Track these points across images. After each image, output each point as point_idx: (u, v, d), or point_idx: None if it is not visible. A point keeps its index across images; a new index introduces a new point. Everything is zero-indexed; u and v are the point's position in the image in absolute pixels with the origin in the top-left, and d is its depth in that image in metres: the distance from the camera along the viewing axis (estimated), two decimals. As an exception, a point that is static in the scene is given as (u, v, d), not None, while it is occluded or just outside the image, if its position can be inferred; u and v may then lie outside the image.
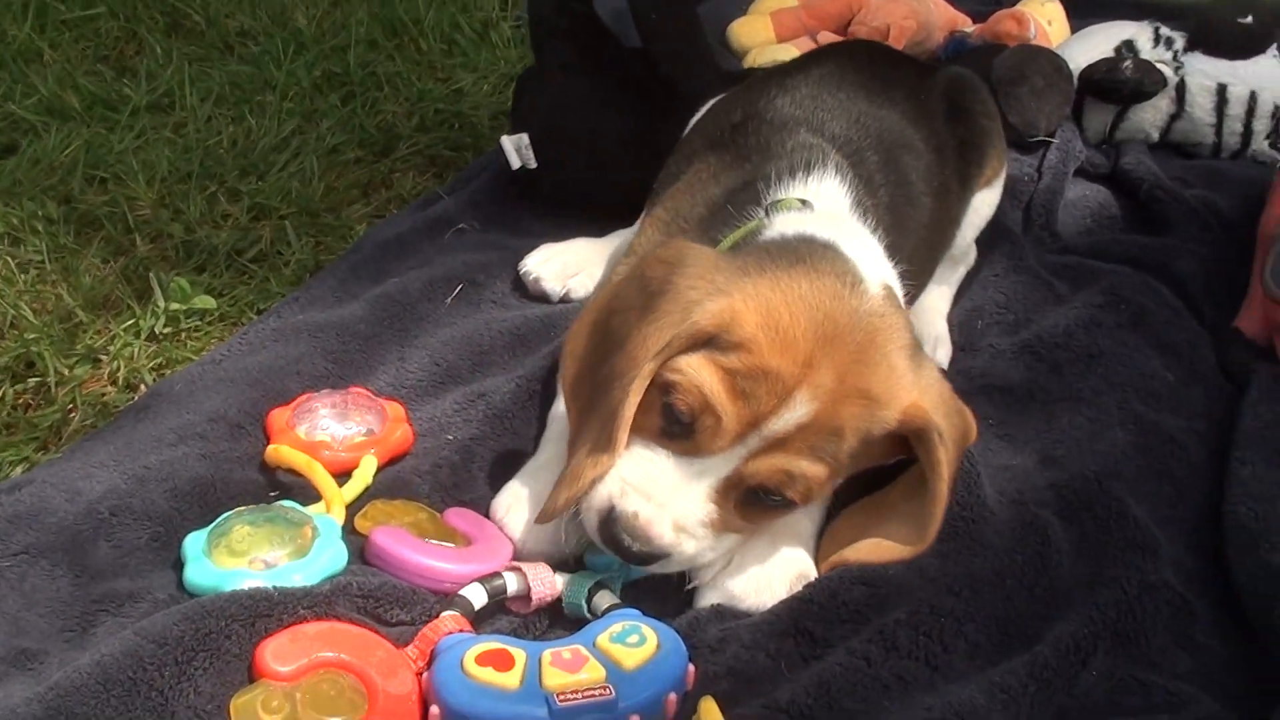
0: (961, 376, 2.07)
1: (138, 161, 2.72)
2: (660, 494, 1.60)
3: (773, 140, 1.97)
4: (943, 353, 2.13)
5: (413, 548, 1.70)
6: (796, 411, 1.56)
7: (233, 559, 1.65)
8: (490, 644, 1.52)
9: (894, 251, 1.90)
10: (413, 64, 3.21)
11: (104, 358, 2.17)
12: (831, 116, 2.02)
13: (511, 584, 1.66)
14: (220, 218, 2.56)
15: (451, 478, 1.87)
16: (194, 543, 1.68)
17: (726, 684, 1.55)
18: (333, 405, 1.93)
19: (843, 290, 1.61)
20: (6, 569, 1.67)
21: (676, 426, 1.60)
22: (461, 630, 1.57)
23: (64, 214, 2.56)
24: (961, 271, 2.33)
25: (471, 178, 2.60)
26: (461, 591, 1.63)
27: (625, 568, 1.68)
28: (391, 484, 1.86)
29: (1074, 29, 3.20)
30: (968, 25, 3.33)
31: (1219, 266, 2.36)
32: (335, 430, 1.91)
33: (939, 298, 2.22)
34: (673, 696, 1.51)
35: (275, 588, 1.59)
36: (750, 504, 1.63)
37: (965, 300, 2.27)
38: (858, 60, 2.20)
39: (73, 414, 2.08)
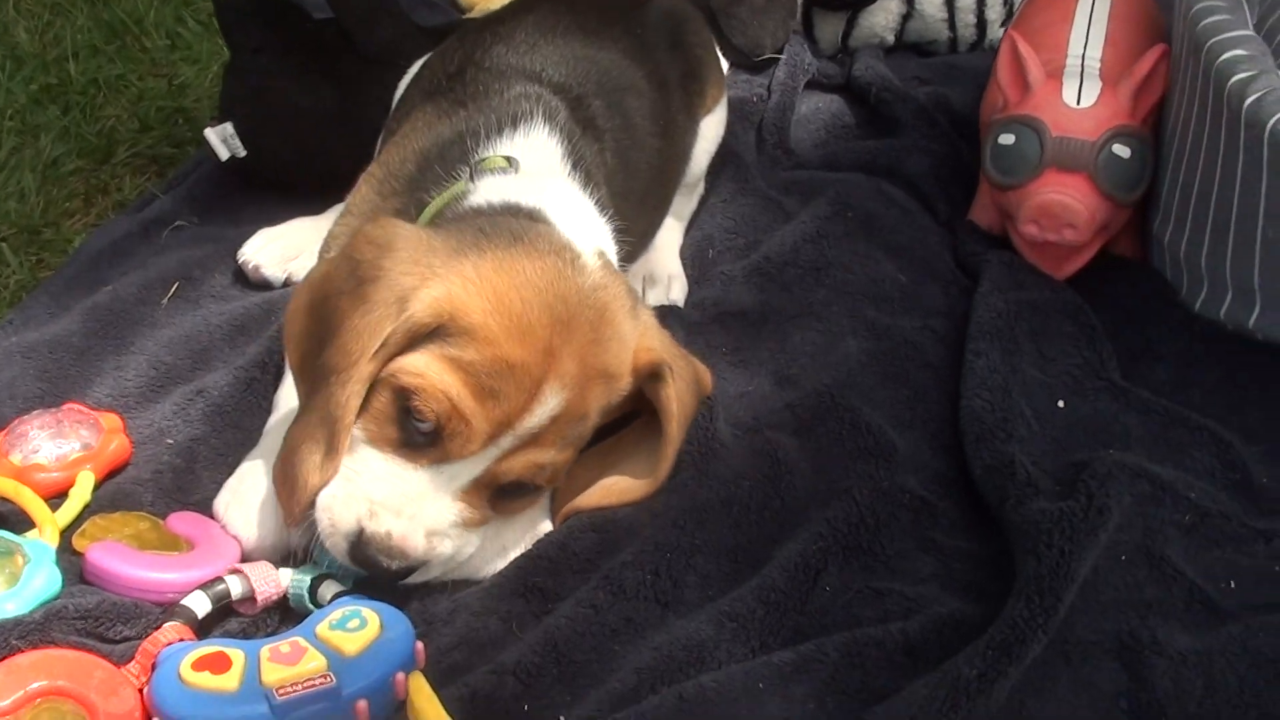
0: (695, 308, 2.05)
1: None
2: (410, 507, 1.54)
3: (490, 89, 1.90)
4: (677, 289, 2.10)
5: (130, 561, 1.62)
6: (548, 405, 1.52)
7: (-65, 598, 1.57)
8: (207, 649, 1.46)
9: (624, 196, 1.89)
10: (135, 64, 3.08)
11: None
12: (549, 63, 1.95)
13: (235, 587, 1.59)
14: (-75, 247, 2.45)
15: (174, 482, 1.79)
16: (-108, 587, 1.59)
17: (459, 654, 1.51)
18: (44, 425, 1.83)
19: (565, 268, 1.56)
20: None
21: (420, 436, 1.53)
22: (183, 640, 1.51)
23: None
24: (693, 204, 2.29)
25: (189, 173, 2.51)
26: (183, 601, 1.56)
27: None
28: (114, 497, 1.77)
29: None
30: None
31: (950, 161, 2.35)
32: (49, 451, 1.81)
33: (671, 233, 2.19)
34: (401, 676, 1.45)
35: (-17, 623, 1.51)
36: (501, 496, 1.59)
37: (695, 230, 2.24)
38: (572, 1, 2.14)
39: None
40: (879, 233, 2.13)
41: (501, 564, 1.63)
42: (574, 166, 1.82)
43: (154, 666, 1.48)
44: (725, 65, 2.59)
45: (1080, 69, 2.06)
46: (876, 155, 2.38)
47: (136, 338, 2.05)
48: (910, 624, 1.49)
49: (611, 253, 1.73)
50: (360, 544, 1.54)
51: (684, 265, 2.16)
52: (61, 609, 1.55)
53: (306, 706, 1.40)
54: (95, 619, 1.55)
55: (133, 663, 1.49)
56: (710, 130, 2.27)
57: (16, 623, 1.52)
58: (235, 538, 1.66)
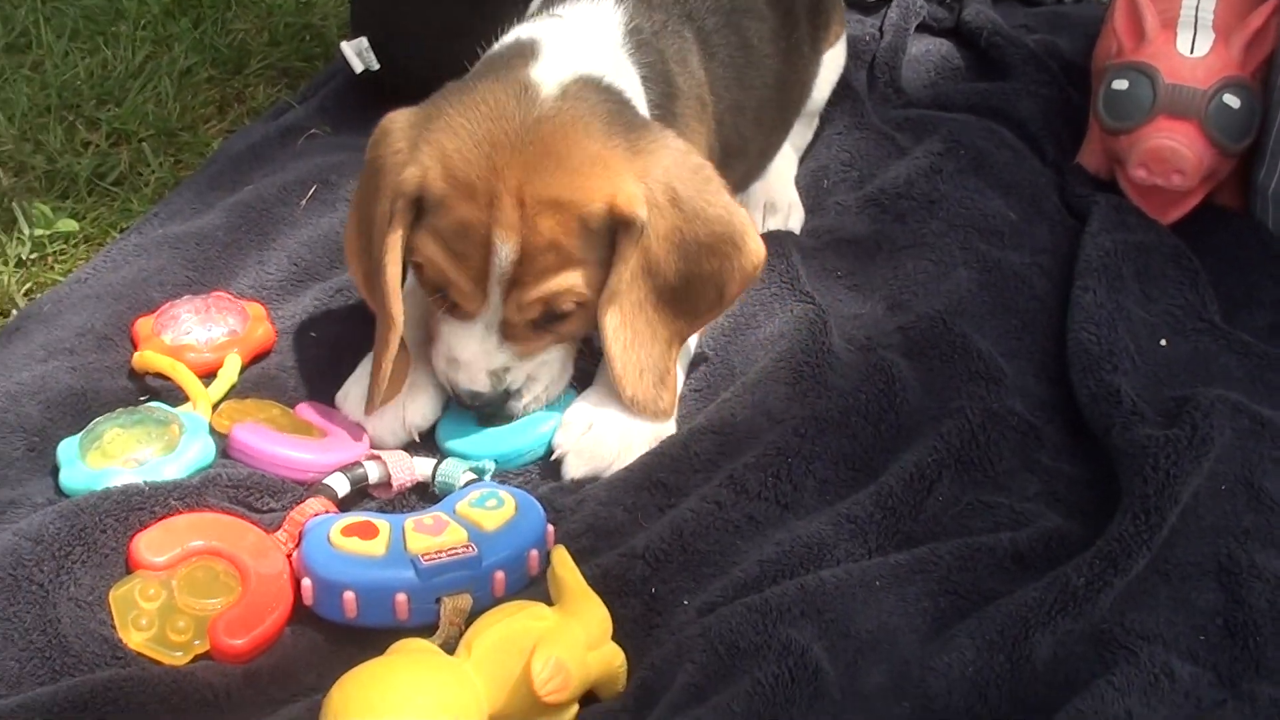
0: (810, 235, 2.13)
1: (-3, 102, 2.71)
2: (464, 355, 1.69)
3: None
4: (795, 218, 2.17)
5: (273, 440, 1.74)
6: (503, 252, 1.62)
7: (105, 460, 1.68)
8: (354, 518, 1.57)
9: (738, 110, 1.99)
10: (264, -19, 3.19)
11: (-29, 290, 2.18)
12: None
13: (373, 473, 1.71)
14: (80, 146, 2.56)
15: (317, 370, 1.90)
16: (67, 448, 1.71)
17: (586, 540, 1.60)
18: (195, 310, 1.95)
19: (510, 104, 1.65)
20: None
21: (444, 300, 1.69)
22: (327, 512, 1.62)
23: (-84, 158, 2.55)
24: (809, 135, 2.37)
25: (321, 85, 2.61)
26: (325, 480, 1.67)
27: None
28: (258, 381, 1.90)
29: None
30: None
31: (1059, 106, 2.41)
32: (199, 334, 1.93)
33: (788, 162, 2.26)
34: (534, 553, 1.57)
35: (146, 483, 1.63)
36: (549, 324, 1.70)
37: (810, 161, 2.31)
38: None
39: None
40: (990, 171, 2.20)
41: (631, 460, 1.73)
42: (629, 33, 1.86)
43: (301, 534, 1.58)
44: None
45: (1195, 20, 2.11)
46: (987, 97, 2.44)
47: (277, 235, 2.16)
48: (1019, 535, 1.58)
49: (630, 89, 1.79)
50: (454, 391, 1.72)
51: (800, 194, 2.23)
52: (216, 476, 1.67)
53: (449, 573, 1.51)
54: (245, 489, 1.67)
55: (280, 530, 1.60)
56: (832, 62, 2.36)
57: (175, 485, 1.64)
58: (360, 424, 1.78)
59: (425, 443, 1.80)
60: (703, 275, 1.71)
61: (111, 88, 2.74)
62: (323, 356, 1.93)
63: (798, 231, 2.16)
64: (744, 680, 1.38)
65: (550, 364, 1.75)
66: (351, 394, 1.82)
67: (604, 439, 1.75)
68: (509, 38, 1.85)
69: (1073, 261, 2.03)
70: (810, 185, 2.25)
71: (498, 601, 1.51)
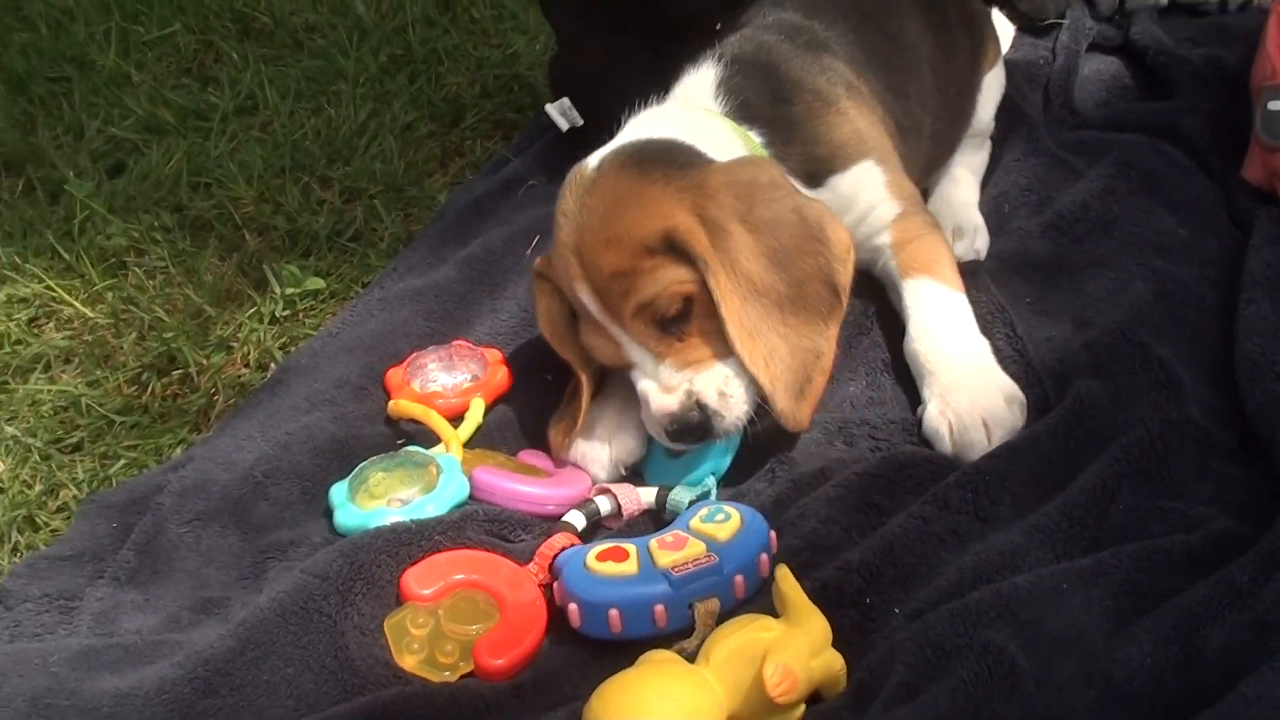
0: (996, 259, 2.30)
1: (234, 164, 2.99)
2: (643, 387, 1.92)
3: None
4: (981, 241, 2.34)
5: (514, 479, 1.97)
6: (584, 295, 1.91)
7: (372, 500, 1.93)
8: (605, 544, 1.79)
9: (897, 92, 2.23)
10: (468, 34, 3.44)
11: (235, 344, 2.45)
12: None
13: (604, 506, 1.93)
14: (316, 204, 2.83)
15: (551, 411, 2.12)
16: (338, 491, 1.96)
17: (806, 555, 1.79)
18: (439, 359, 2.20)
19: (568, 191, 1.95)
20: (185, 534, 1.96)
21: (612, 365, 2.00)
22: (573, 544, 1.84)
23: (177, 221, 2.84)
24: (984, 157, 2.55)
25: (535, 137, 2.85)
26: (565, 517, 1.90)
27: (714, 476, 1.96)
28: (500, 421, 2.13)
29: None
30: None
31: (1223, 121, 2.53)
32: (444, 380, 2.17)
33: (968, 190, 2.43)
34: (764, 556, 1.77)
35: (413, 521, 1.86)
36: (678, 331, 1.90)
37: (991, 188, 2.47)
38: None
39: (215, 397, 2.35)
40: (1160, 190, 2.34)
41: (1004, 431, 1.94)
42: (720, 85, 2.11)
43: (552, 566, 1.80)
44: (1012, 29, 2.84)
45: (1348, 38, 2.24)
46: (1155, 116, 2.58)
47: (507, 284, 2.40)
48: (1191, 537, 1.72)
49: (704, 131, 2.00)
50: (664, 432, 1.93)
51: (984, 218, 2.40)
52: (472, 512, 1.90)
53: (698, 581, 1.72)
54: (499, 523, 1.91)
55: (531, 563, 1.83)
56: (994, 83, 2.56)
57: (439, 522, 1.87)
58: (576, 464, 2.02)
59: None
60: (806, 275, 1.90)
61: (339, 146, 3.01)
62: (555, 396, 2.14)
63: (984, 253, 2.32)
64: (949, 678, 1.55)
65: (734, 379, 1.91)
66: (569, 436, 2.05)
67: (968, 420, 1.95)
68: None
69: (1238, 273, 2.16)
70: (993, 210, 2.41)
71: (739, 602, 1.74)
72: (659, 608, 1.70)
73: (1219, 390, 2.01)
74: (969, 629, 1.62)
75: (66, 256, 2.76)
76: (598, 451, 2.01)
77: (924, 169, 2.32)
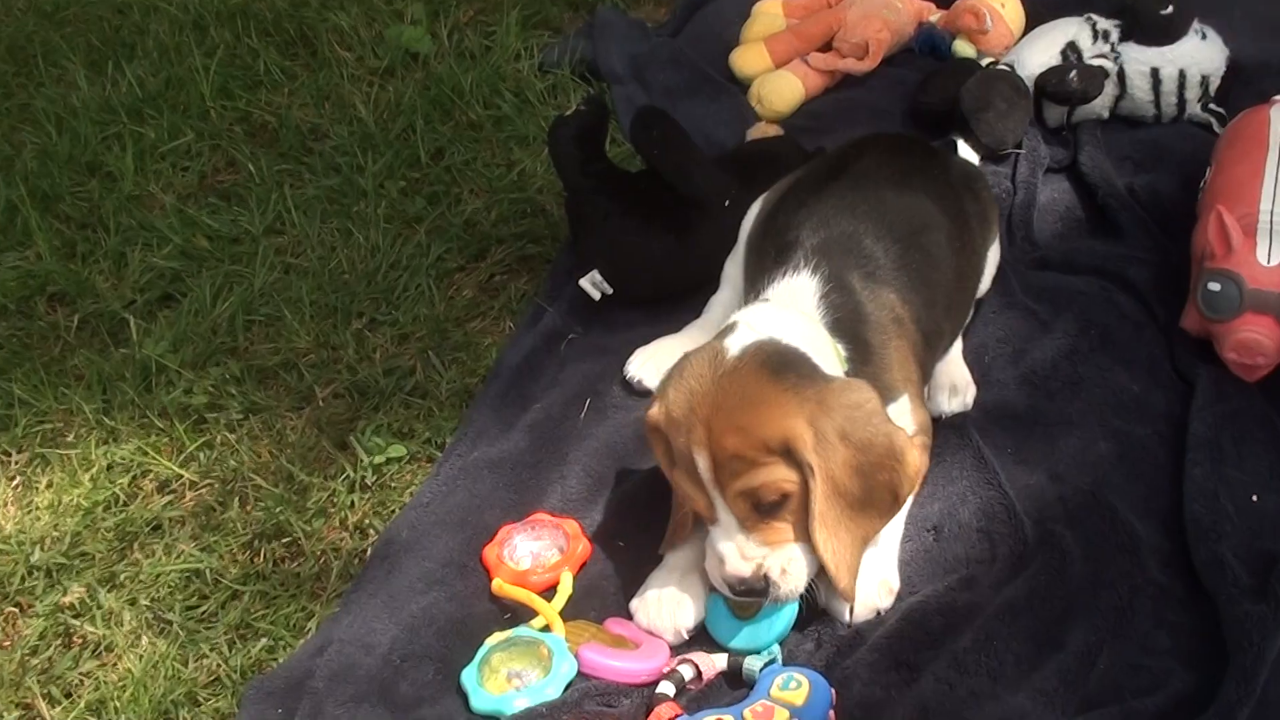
0: (979, 409, 2.74)
1: (282, 300, 3.33)
2: (724, 552, 2.29)
3: (786, 256, 2.57)
4: (970, 394, 2.74)
5: (615, 657, 2.38)
6: (700, 460, 2.23)
7: (497, 685, 2.35)
8: (710, 716, 2.22)
9: (929, 306, 2.58)
10: (470, 141, 3.78)
11: (332, 509, 2.84)
12: (837, 223, 2.60)
13: (687, 673, 2.34)
14: (371, 351, 3.18)
15: (629, 578, 2.54)
16: (469, 677, 2.36)
17: (858, 713, 2.24)
18: (526, 535, 2.61)
19: (707, 365, 2.27)
20: (340, 715, 2.37)
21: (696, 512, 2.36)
22: (677, 714, 2.27)
23: (243, 369, 3.17)
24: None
25: (561, 283, 3.22)
26: (659, 688, 2.31)
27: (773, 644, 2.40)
28: (588, 590, 2.53)
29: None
30: (933, 13, 3.92)
31: (1164, 270, 2.99)
32: (533, 552, 2.59)
33: (956, 346, 2.83)
34: (831, 714, 2.22)
35: (542, 705, 2.30)
36: (769, 514, 2.25)
37: (971, 337, 2.90)
38: (883, 154, 2.81)
39: (325, 561, 2.74)
40: (1116, 346, 2.81)
41: (870, 609, 2.40)
42: (822, 299, 2.46)
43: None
44: (976, 158, 3.27)
45: (1270, 227, 2.69)
46: (1106, 260, 3.04)
47: (569, 449, 2.80)
48: (1158, 697, 2.21)
49: (815, 342, 2.36)
50: (725, 583, 2.33)
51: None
52: (585, 689, 2.33)
53: None
54: (608, 695, 2.33)
55: None
56: (993, 257, 2.94)
57: (562, 702, 2.31)
58: (660, 637, 2.43)
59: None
60: (878, 485, 2.28)
61: (380, 283, 3.36)
62: (629, 560, 2.57)
63: (971, 405, 2.74)
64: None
65: (798, 560, 2.31)
66: (639, 608, 2.46)
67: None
68: (727, 322, 2.46)
69: (1184, 427, 2.64)
70: (974, 361, 2.83)
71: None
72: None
73: (1172, 538, 2.48)
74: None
75: (150, 415, 3.08)
76: (664, 621, 2.42)
77: (939, 357, 2.72)
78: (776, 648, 2.39)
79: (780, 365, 2.26)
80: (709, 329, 2.74)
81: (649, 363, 2.92)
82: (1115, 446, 2.63)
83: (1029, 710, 2.21)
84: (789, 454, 2.21)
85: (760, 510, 2.26)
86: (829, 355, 2.38)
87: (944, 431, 2.68)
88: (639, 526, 2.61)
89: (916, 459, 2.31)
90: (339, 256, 3.49)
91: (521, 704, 2.32)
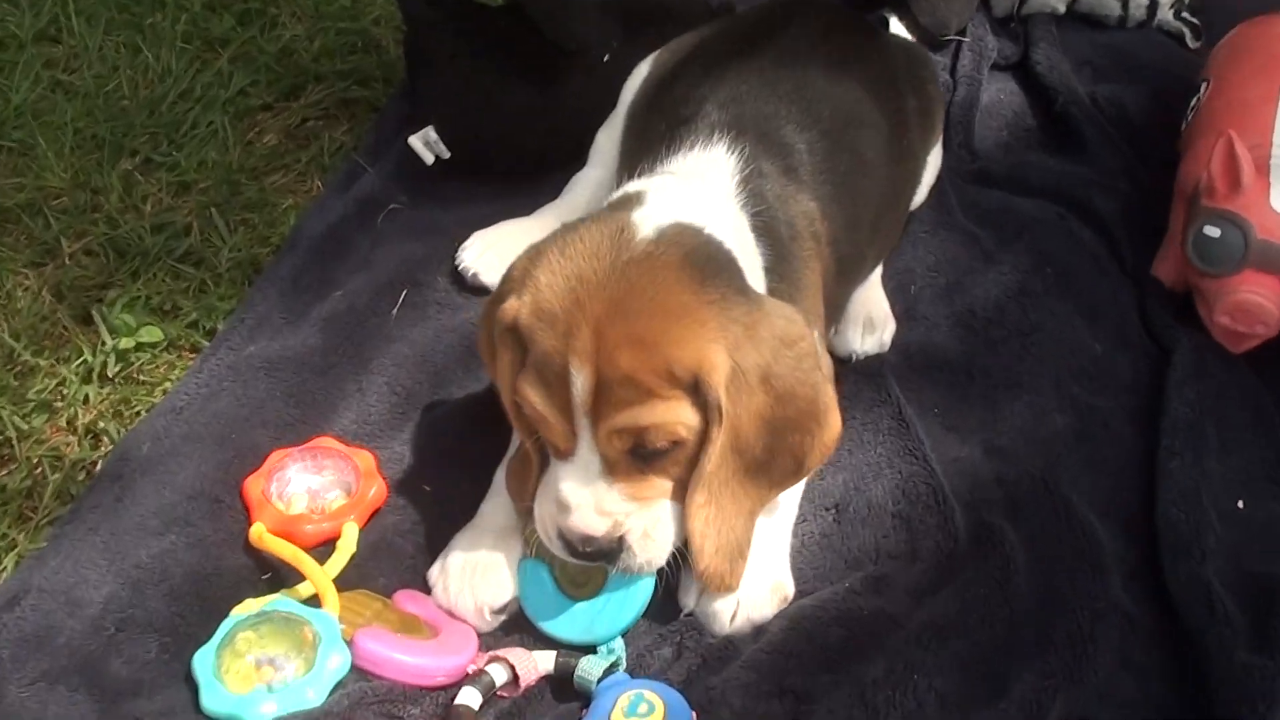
0: (902, 354, 2.18)
1: (39, 125, 2.69)
2: (575, 499, 1.73)
3: (693, 128, 2.00)
4: (889, 331, 2.21)
5: (403, 649, 1.79)
6: (579, 381, 1.66)
7: (241, 677, 1.75)
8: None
9: (853, 225, 2.03)
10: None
11: (58, 404, 2.21)
12: (758, 101, 2.04)
13: (499, 676, 1.77)
14: (140, 200, 2.54)
15: (434, 535, 1.95)
16: (204, 664, 1.76)
17: (722, 751, 1.69)
18: (304, 467, 2.00)
19: (604, 244, 1.70)
20: (27, 699, 1.76)
21: (539, 444, 1.79)
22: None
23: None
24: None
25: (389, 138, 2.61)
26: (460, 697, 1.74)
27: (615, 647, 1.82)
28: (376, 548, 1.95)
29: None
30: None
31: (1135, 201, 2.44)
32: (310, 489, 1.99)
33: (876, 274, 2.28)
34: None
35: (297, 715, 1.70)
36: (648, 462, 1.73)
37: (897, 259, 2.33)
38: (814, 30, 2.23)
39: (38, 470, 2.11)
40: (1076, 291, 2.25)
41: (756, 619, 1.83)
42: (742, 183, 1.91)
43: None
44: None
45: (1286, 164, 2.15)
46: (1064, 182, 2.46)
47: (374, 353, 2.20)
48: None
49: (739, 241, 1.82)
50: (564, 542, 1.75)
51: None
52: (362, 694, 1.73)
53: None
54: (389, 703, 1.74)
55: None
56: (933, 164, 2.40)
57: (326, 713, 1.71)
58: (449, 611, 1.85)
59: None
60: (785, 448, 1.76)
61: (164, 115, 2.71)
62: (436, 513, 1.98)
63: (889, 343, 2.20)
64: None
65: (665, 525, 1.77)
66: (439, 579, 1.88)
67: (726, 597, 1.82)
68: (619, 191, 1.89)
69: (1156, 403, 2.09)
70: (897, 289, 2.27)
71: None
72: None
73: (1136, 547, 1.94)
74: None
75: None
76: (467, 599, 1.85)
77: (851, 295, 2.18)
78: (621, 648, 1.82)
79: (708, 266, 1.72)
80: (569, 215, 2.22)
81: (489, 252, 2.33)
82: (1073, 421, 2.08)
83: (957, 782, 1.67)
84: (696, 390, 1.67)
85: (638, 456, 1.72)
86: (753, 260, 1.85)
87: (853, 380, 2.12)
88: (454, 467, 2.04)
89: (838, 425, 1.78)
90: (120, 78, 2.86)
91: (269, 710, 1.72)
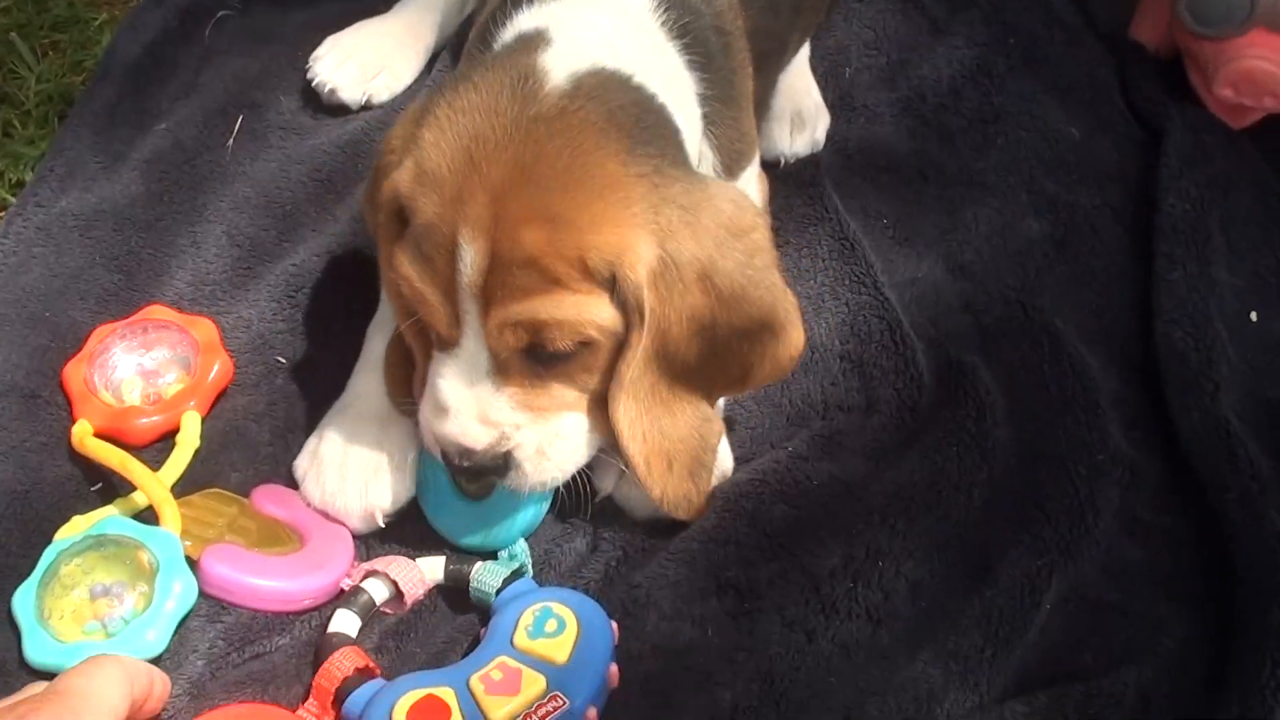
0: (839, 153, 1.86)
1: None
2: (454, 400, 1.41)
3: None
4: (823, 125, 1.88)
5: (260, 570, 1.48)
6: (467, 257, 1.33)
7: (72, 618, 1.44)
8: (413, 695, 1.33)
9: (773, 10, 1.68)
10: None
11: None
12: None
13: (380, 594, 1.47)
14: (-76, 18, 2.14)
15: (291, 416, 1.63)
16: (24, 606, 1.45)
17: (652, 663, 1.40)
18: (131, 346, 1.67)
19: (506, 96, 1.35)
20: None
21: (417, 328, 1.44)
22: (359, 669, 1.39)
23: None
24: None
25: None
26: (332, 627, 1.44)
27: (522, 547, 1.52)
28: (225, 439, 1.62)
29: None
30: None
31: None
32: (142, 370, 1.66)
33: (802, 55, 1.92)
34: (614, 668, 1.38)
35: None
36: (546, 366, 1.41)
37: (826, 36, 1.98)
38: None
39: None
40: (1045, 65, 1.92)
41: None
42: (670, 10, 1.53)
43: (335, 702, 1.37)
44: None
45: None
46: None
47: (208, 198, 1.86)
48: (1143, 670, 1.39)
49: (669, 80, 1.48)
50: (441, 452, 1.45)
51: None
52: (217, 632, 1.44)
53: None
54: (248, 639, 1.45)
55: (310, 702, 1.38)
56: None
57: (178, 664, 1.41)
58: (321, 512, 1.54)
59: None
60: (728, 357, 1.43)
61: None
62: (296, 390, 1.65)
63: (823, 140, 1.86)
64: None
65: (568, 442, 1.45)
66: (310, 472, 1.55)
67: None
68: (511, 29, 1.50)
69: (1147, 196, 1.77)
70: (829, 72, 1.93)
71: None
72: (507, 784, 1.29)
73: (1133, 379, 1.65)
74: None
75: None
76: (351, 499, 1.53)
77: (772, 89, 1.82)
78: (524, 552, 1.52)
79: (638, 130, 1.37)
80: (436, 9, 1.97)
81: (349, 62, 1.97)
82: (1050, 226, 1.77)
83: (937, 686, 1.38)
84: (614, 284, 1.34)
85: (535, 357, 1.40)
86: (689, 102, 1.51)
87: (783, 193, 1.78)
88: (313, 332, 1.71)
89: (799, 341, 1.44)
90: None
91: (101, 654, 1.40)
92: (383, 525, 1.53)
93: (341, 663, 1.39)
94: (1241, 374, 1.61)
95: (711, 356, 1.40)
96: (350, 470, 1.53)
